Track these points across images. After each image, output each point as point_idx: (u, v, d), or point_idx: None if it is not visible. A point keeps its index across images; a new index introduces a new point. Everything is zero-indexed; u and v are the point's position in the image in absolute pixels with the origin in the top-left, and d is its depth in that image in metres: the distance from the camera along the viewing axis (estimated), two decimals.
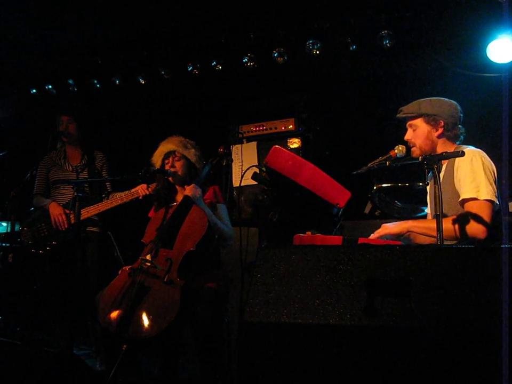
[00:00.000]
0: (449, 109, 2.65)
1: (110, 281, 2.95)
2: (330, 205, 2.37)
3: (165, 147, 3.30)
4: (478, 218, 2.39)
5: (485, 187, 2.42)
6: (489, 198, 2.41)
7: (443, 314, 1.44)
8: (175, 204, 3.15)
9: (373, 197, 3.87)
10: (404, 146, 2.64)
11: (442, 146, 2.66)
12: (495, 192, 2.45)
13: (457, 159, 2.53)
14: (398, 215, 3.83)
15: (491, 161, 2.54)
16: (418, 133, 2.69)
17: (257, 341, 1.59)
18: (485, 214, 2.39)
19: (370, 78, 4.12)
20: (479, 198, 2.42)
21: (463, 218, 2.42)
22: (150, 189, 3.49)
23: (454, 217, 2.44)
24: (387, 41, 3.74)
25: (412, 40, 3.75)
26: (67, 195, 3.93)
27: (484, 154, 2.55)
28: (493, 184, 2.46)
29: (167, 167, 3.26)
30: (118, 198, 3.67)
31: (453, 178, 2.56)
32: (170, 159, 3.26)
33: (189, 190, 3.07)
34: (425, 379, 1.42)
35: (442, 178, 2.59)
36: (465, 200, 2.47)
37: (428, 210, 2.88)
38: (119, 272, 2.97)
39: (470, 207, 2.44)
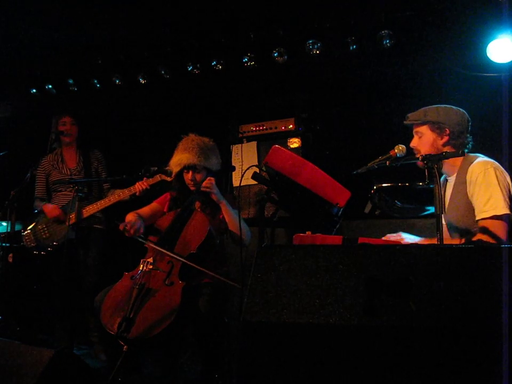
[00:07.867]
0: (455, 117, 2.62)
1: (111, 281, 2.98)
2: (331, 204, 2.36)
3: (185, 157, 3.12)
4: (498, 238, 2.35)
5: (501, 203, 2.39)
6: (506, 212, 2.39)
7: (443, 314, 1.44)
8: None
9: (373, 197, 3.87)
10: (404, 146, 2.63)
11: None
12: (509, 206, 2.42)
13: (469, 171, 2.50)
14: (398, 215, 3.82)
15: (504, 171, 2.50)
16: (424, 140, 2.66)
17: (257, 340, 1.59)
18: (504, 230, 2.37)
19: (370, 78, 4.11)
20: (497, 214, 2.38)
21: (483, 238, 2.38)
22: (146, 183, 3.50)
23: (474, 237, 2.40)
24: (387, 41, 3.73)
25: (412, 40, 3.74)
26: (67, 197, 3.95)
27: (497, 165, 2.51)
28: (507, 198, 2.42)
29: (186, 178, 3.17)
30: (116, 195, 3.73)
31: (466, 191, 2.52)
32: (190, 173, 3.14)
33: (206, 183, 3.06)
34: (426, 379, 1.42)
35: (453, 189, 2.60)
36: (484, 219, 2.42)
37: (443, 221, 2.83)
38: (124, 274, 2.99)
39: (490, 225, 2.39)
